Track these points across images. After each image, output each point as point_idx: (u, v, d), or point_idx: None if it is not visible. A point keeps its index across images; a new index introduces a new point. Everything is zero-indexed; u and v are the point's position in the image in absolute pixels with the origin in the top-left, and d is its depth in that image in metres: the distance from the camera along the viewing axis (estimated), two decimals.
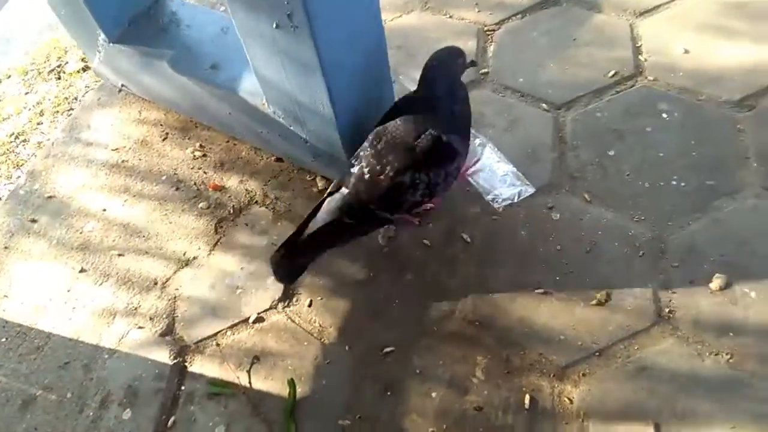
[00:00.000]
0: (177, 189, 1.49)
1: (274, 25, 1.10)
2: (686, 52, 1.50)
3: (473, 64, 1.23)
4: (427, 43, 1.68)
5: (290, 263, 1.18)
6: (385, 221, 1.19)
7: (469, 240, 1.30)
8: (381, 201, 1.13)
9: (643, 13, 1.61)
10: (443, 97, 1.15)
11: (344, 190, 1.15)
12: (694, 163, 1.32)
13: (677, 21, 1.57)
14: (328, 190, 1.18)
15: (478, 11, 1.74)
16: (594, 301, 1.16)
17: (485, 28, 1.70)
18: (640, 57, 1.52)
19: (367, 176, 1.13)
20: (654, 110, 1.42)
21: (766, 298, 1.12)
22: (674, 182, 1.30)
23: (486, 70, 1.60)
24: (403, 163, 1.11)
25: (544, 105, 1.48)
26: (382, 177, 1.11)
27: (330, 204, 1.15)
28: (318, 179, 1.46)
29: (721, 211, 1.24)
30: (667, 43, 1.53)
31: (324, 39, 1.09)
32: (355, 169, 1.15)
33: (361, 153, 1.16)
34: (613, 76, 1.50)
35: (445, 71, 1.16)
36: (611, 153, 1.38)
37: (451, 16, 1.76)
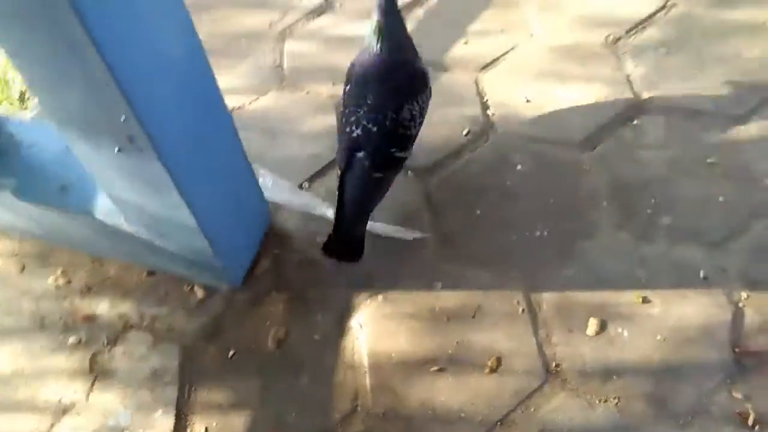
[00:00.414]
0: (42, 326, 1.38)
1: (117, 150, 1.05)
2: (528, 101, 1.60)
3: None
4: (288, 123, 1.69)
5: (348, 243, 1.29)
6: (402, 162, 1.32)
7: (360, 326, 1.30)
8: (397, 141, 1.28)
9: (485, 67, 1.70)
10: (400, 29, 1.30)
11: (361, 155, 1.26)
12: (553, 210, 1.40)
13: (516, 72, 1.68)
14: (339, 166, 1.30)
15: (333, 84, 1.77)
16: (487, 370, 1.19)
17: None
18: (488, 112, 1.61)
19: (374, 129, 1.25)
20: (509, 163, 1.50)
21: (637, 335, 1.20)
22: (538, 232, 1.38)
23: None
24: (396, 101, 1.27)
25: (409, 172, 1.52)
26: (388, 122, 1.25)
27: (355, 174, 1.26)
28: (196, 287, 1.40)
29: (584, 254, 1.33)
30: (510, 95, 1.62)
31: (174, 157, 1.06)
32: (357, 132, 1.26)
33: (353, 115, 1.28)
34: (467, 134, 1.57)
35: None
36: (478, 212, 1.43)
37: (308, 93, 1.77)
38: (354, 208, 1.27)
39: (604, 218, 1.37)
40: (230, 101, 1.74)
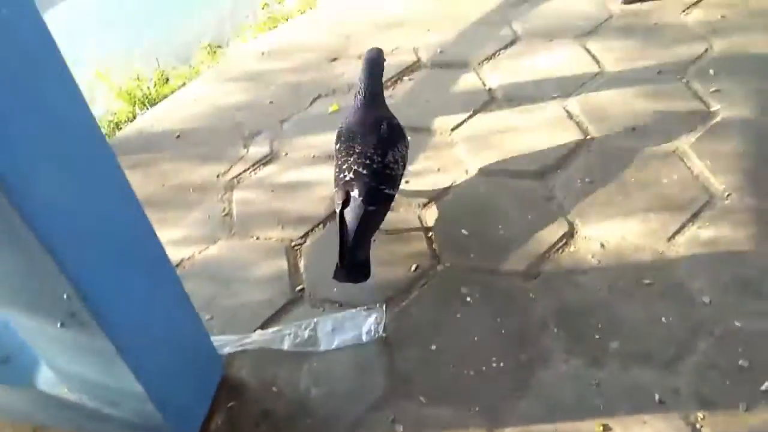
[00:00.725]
0: None
1: (59, 325, 1.03)
2: (470, 234, 1.68)
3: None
4: (239, 270, 1.70)
5: (354, 266, 1.48)
6: (392, 198, 1.59)
7: None
8: (385, 180, 1.54)
9: (426, 205, 1.79)
10: (380, 93, 1.66)
11: (354, 193, 1.50)
12: (506, 340, 1.42)
13: (456, 207, 1.76)
14: (336, 204, 1.54)
15: (282, 228, 1.81)
16: None
17: (293, 244, 1.76)
18: (433, 246, 1.67)
19: (364, 171, 1.51)
20: (458, 295, 1.53)
21: None
22: (494, 364, 1.38)
23: (302, 286, 1.64)
24: (381, 148, 1.55)
25: (363, 311, 1.53)
26: (375, 165, 1.52)
27: (351, 208, 1.49)
28: None
29: (541, 384, 1.33)
30: (453, 229, 1.70)
31: (118, 329, 1.04)
32: (350, 174, 1.52)
33: (345, 164, 1.55)
34: (415, 270, 1.61)
35: (379, 69, 1.64)
36: (433, 347, 1.44)
37: (257, 238, 1.80)
38: (355, 237, 1.47)
39: (556, 345, 1.40)
40: (180, 252, 1.76)
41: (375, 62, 1.64)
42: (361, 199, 1.49)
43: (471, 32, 2.38)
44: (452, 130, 2.00)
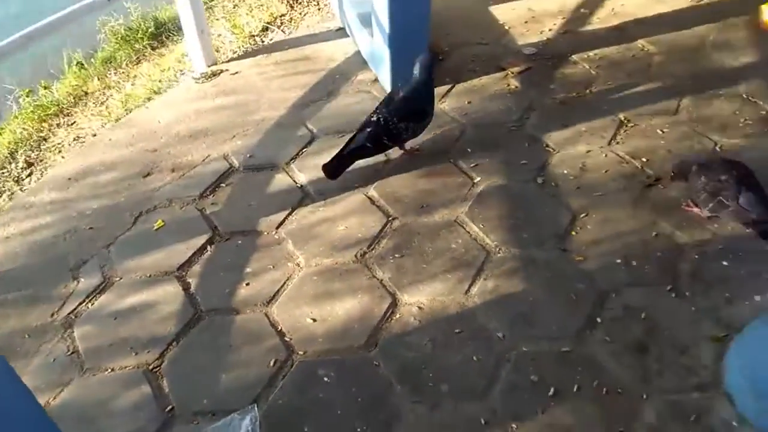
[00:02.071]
0: None
1: None
2: (315, 320, 1.95)
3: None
4: (102, 405, 1.76)
5: (335, 168, 2.34)
6: (387, 147, 2.41)
7: None
8: (388, 134, 2.34)
9: (270, 301, 2.02)
10: (426, 82, 2.37)
11: (368, 129, 2.32)
12: (363, 407, 1.71)
13: (296, 298, 2.02)
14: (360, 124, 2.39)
15: (136, 354, 1.90)
16: None
17: (151, 368, 1.86)
18: (285, 338, 1.90)
19: (383, 123, 2.31)
20: (316, 378, 1.79)
21: None
22: (359, 430, 1.66)
23: (171, 406, 1.75)
24: (401, 117, 2.32)
25: (237, 416, 1.70)
26: (390, 124, 2.31)
27: (359, 135, 2.34)
28: None
29: None
30: (299, 319, 1.95)
31: None
32: (374, 118, 2.33)
33: (378, 110, 2.35)
34: (274, 364, 1.83)
35: (429, 67, 2.36)
36: (306, 430, 1.67)
37: (112, 370, 1.87)
38: (350, 152, 2.33)
39: (402, 400, 1.71)
40: None
41: (429, 61, 2.37)
42: (366, 135, 2.32)
43: (273, 135, 2.68)
44: (277, 228, 2.26)
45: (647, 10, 3.27)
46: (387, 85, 2.79)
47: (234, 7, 3.84)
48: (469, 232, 2.18)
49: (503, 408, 1.68)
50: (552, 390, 1.70)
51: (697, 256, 2.02)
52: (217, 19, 3.66)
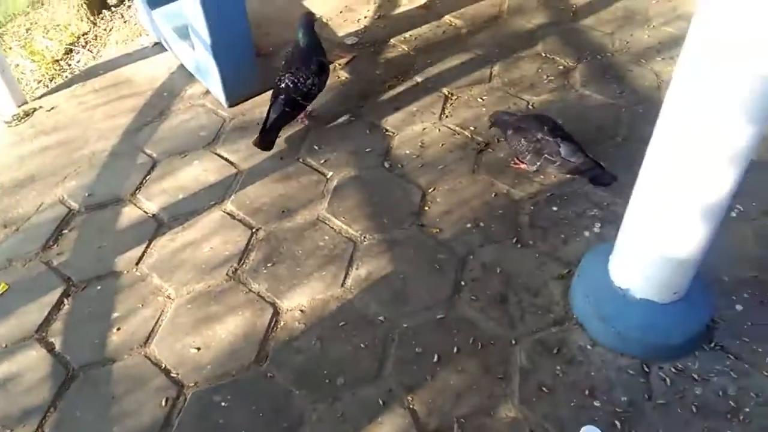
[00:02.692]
0: None
1: None
2: (199, 349, 1.93)
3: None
4: None
5: (266, 141, 2.49)
6: (304, 107, 2.57)
7: None
8: (302, 94, 2.51)
9: (147, 341, 1.96)
10: (312, 39, 2.57)
11: (281, 97, 2.48)
12: (267, 420, 1.75)
13: (175, 331, 1.98)
14: (271, 99, 2.54)
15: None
16: None
17: None
18: (172, 375, 1.87)
19: (291, 86, 2.47)
20: (214, 405, 1.79)
21: None
22: None
23: None
24: (308, 75, 2.50)
25: None
26: (299, 84, 2.49)
27: (275, 105, 2.48)
28: None
29: None
30: (183, 352, 1.92)
31: None
32: (283, 84, 2.49)
33: (282, 74, 2.51)
34: (166, 403, 1.80)
35: (309, 25, 2.57)
36: None
37: None
38: (273, 123, 2.48)
39: (304, 403, 1.78)
40: None
41: (308, 20, 2.56)
42: (282, 102, 2.46)
43: (110, 168, 2.54)
44: (137, 263, 2.18)
45: None
46: (221, 95, 2.76)
47: (27, 31, 3.50)
48: (333, 228, 2.26)
49: (397, 385, 1.82)
50: (436, 356, 1.87)
51: (532, 207, 2.29)
52: (11, 48, 3.33)
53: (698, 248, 1.64)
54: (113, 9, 3.62)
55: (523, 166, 2.41)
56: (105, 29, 3.42)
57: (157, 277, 2.14)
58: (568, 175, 2.33)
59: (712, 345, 1.82)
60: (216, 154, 2.58)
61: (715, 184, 1.49)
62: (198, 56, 2.76)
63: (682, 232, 1.61)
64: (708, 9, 1.29)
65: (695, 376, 1.76)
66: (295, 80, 2.48)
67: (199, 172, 2.51)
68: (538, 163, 2.31)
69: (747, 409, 1.68)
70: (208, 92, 2.87)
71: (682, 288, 1.75)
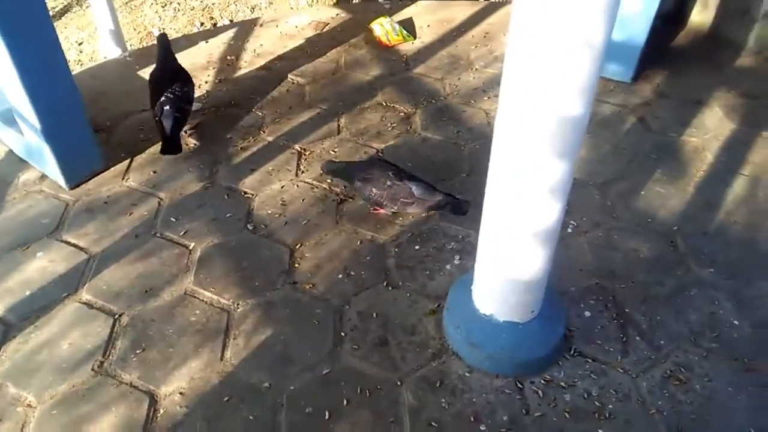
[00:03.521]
0: None
1: None
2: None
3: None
4: None
5: (172, 146, 2.72)
6: (188, 111, 2.85)
7: None
8: (185, 101, 2.80)
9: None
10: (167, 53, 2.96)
11: (167, 108, 2.71)
12: None
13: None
14: (156, 113, 2.74)
15: None
16: None
17: None
18: None
19: (172, 97, 2.73)
20: None
21: None
22: None
23: None
24: (181, 85, 2.81)
25: None
26: (180, 94, 2.77)
27: (166, 116, 2.70)
28: None
29: None
30: None
31: None
32: (164, 98, 2.72)
33: (161, 93, 2.74)
34: None
35: (162, 42, 2.97)
36: None
37: None
38: (172, 129, 2.69)
39: None
40: None
41: (163, 39, 2.96)
42: (173, 110, 2.70)
43: None
44: None
45: (282, 46, 3.64)
46: (59, 178, 2.60)
47: None
48: (203, 300, 2.21)
49: None
50: (327, 413, 1.88)
51: (396, 249, 2.40)
52: None
53: (542, 267, 1.82)
54: None
55: (381, 210, 2.53)
56: None
57: (13, 385, 1.94)
58: (426, 213, 2.49)
59: (572, 352, 2.02)
60: (62, 241, 2.41)
61: (545, 207, 1.67)
62: (28, 140, 2.58)
63: (526, 254, 1.78)
64: (513, 53, 1.46)
65: (563, 384, 1.93)
66: (173, 92, 2.75)
67: (45, 263, 2.32)
68: (396, 207, 2.44)
69: (610, 406, 1.87)
70: (44, 176, 2.68)
71: (537, 305, 1.94)
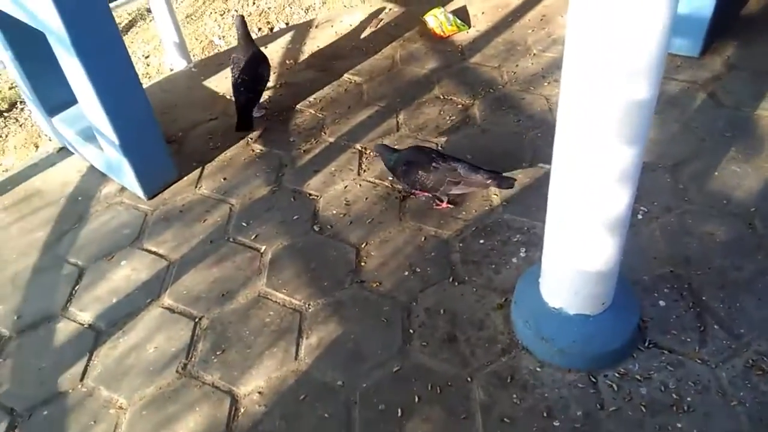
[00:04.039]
0: None
1: None
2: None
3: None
4: None
5: (245, 123, 3.05)
6: (260, 92, 3.14)
7: None
8: (258, 82, 3.08)
9: None
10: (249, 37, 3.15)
11: (242, 89, 3.01)
12: None
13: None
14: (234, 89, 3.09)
15: None
16: None
17: None
18: None
19: (247, 78, 3.01)
20: None
21: None
22: None
23: None
24: (248, 73, 3.02)
25: None
26: (247, 77, 3.00)
27: (239, 96, 3.03)
28: None
29: None
30: None
31: None
32: (240, 80, 3.00)
33: (238, 77, 3.01)
34: None
35: (241, 25, 3.10)
36: None
37: None
38: (243, 108, 3.02)
39: None
40: None
41: (241, 22, 3.06)
42: (246, 91, 3.01)
43: (35, 285, 2.46)
44: (81, 379, 2.12)
45: (338, 46, 3.68)
46: (138, 190, 2.75)
47: None
48: (276, 301, 2.29)
49: None
50: (399, 411, 1.92)
51: (460, 244, 2.41)
52: None
53: (613, 256, 1.78)
54: (5, 115, 3.55)
55: (443, 205, 2.54)
56: (1, 136, 3.33)
57: (105, 389, 2.09)
58: (471, 190, 2.51)
59: (647, 344, 1.97)
60: (143, 249, 2.56)
61: (614, 195, 1.62)
62: (108, 156, 2.74)
63: (595, 244, 1.75)
64: (574, 35, 1.41)
65: (638, 377, 1.90)
66: (249, 73, 3.00)
67: (129, 271, 2.47)
68: (443, 189, 2.47)
69: (689, 399, 1.82)
70: (124, 189, 2.85)
71: (609, 297, 1.90)
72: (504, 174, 2.47)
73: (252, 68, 3.02)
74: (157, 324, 2.27)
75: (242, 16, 3.11)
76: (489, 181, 2.43)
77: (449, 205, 2.53)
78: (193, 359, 2.14)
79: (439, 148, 2.85)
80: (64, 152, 3.10)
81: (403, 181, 2.56)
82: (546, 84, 3.14)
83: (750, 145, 2.59)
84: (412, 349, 2.08)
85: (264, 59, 3.11)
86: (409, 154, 2.54)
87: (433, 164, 2.44)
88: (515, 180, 2.46)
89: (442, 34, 3.63)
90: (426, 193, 2.56)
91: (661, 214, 2.39)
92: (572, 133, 1.57)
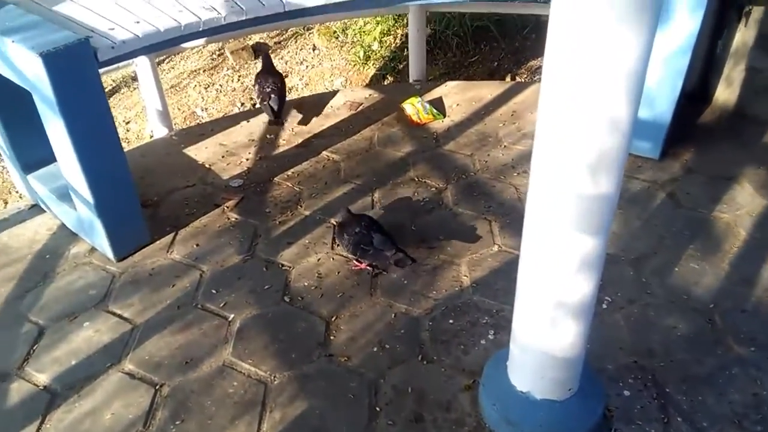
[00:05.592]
0: None
1: None
2: None
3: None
4: None
5: (278, 119, 3.70)
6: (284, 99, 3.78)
7: None
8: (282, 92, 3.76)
9: None
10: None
11: (273, 96, 3.64)
12: None
13: None
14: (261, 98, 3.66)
15: None
16: None
17: None
18: None
19: (276, 88, 3.67)
20: None
21: None
22: None
23: None
24: (278, 82, 3.73)
25: None
26: (278, 85, 3.70)
27: (272, 100, 3.63)
28: None
29: None
30: None
31: None
32: (269, 89, 3.65)
33: (263, 84, 3.67)
34: None
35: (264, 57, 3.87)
36: None
37: None
38: (277, 110, 3.68)
39: None
40: None
41: (264, 49, 3.43)
42: (277, 96, 3.66)
43: None
44: None
45: (319, 125, 3.81)
46: (108, 251, 2.72)
47: None
48: (241, 372, 2.25)
49: None
50: None
51: (430, 323, 2.43)
52: None
53: (578, 343, 1.82)
54: None
55: (361, 266, 2.67)
56: None
57: None
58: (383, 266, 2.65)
59: None
60: (108, 311, 2.50)
61: (579, 283, 1.69)
62: (81, 216, 2.73)
63: (561, 330, 1.79)
64: (543, 132, 1.51)
65: None
66: (275, 85, 3.65)
67: (91, 333, 2.40)
68: (358, 253, 2.62)
69: None
70: (94, 249, 2.81)
71: (575, 382, 1.93)
72: (409, 255, 2.61)
73: (280, 79, 3.78)
74: (115, 389, 2.19)
75: (264, 45, 3.95)
76: (390, 257, 2.59)
77: (367, 267, 2.67)
78: (150, 428, 2.06)
79: (412, 228, 2.93)
80: (35, 210, 3.06)
81: (337, 240, 2.77)
82: (515, 174, 3.29)
83: (707, 245, 2.74)
84: (378, 428, 2.04)
85: (282, 77, 3.88)
86: (346, 217, 2.72)
87: (356, 230, 2.61)
88: (413, 261, 2.62)
89: (418, 121, 3.81)
90: (361, 266, 2.70)
91: (625, 304, 2.47)
92: (540, 222, 1.66)
